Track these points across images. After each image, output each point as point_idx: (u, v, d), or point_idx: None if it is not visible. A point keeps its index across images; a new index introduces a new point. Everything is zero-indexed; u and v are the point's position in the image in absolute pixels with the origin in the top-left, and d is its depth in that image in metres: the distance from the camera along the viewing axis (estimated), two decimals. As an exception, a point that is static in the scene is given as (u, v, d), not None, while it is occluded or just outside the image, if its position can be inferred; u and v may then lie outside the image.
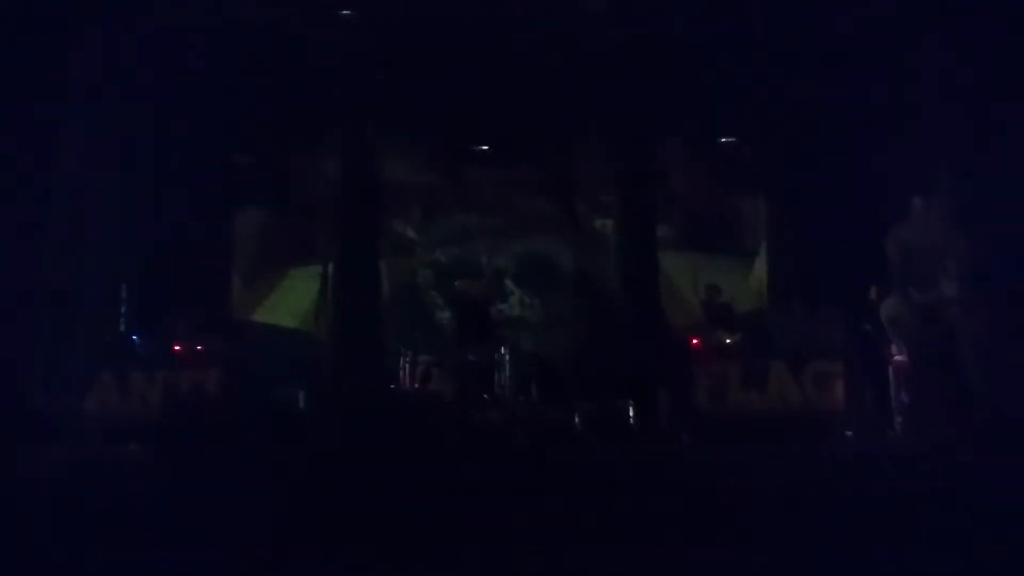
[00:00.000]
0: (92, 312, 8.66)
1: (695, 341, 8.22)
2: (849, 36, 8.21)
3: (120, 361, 7.98)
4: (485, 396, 8.18)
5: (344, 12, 8.75)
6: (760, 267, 10.68)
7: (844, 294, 7.79)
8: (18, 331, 7.80)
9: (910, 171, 7.03)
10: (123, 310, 9.50)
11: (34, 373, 7.87)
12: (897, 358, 6.85)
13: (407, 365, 8.68)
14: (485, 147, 10.76)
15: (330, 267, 10.27)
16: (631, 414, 7.68)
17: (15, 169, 7.95)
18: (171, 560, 3.84)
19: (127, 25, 8.73)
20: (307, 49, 9.11)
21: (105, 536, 4.07)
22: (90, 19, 8.37)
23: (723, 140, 10.45)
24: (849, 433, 7.10)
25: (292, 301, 10.92)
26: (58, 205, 8.64)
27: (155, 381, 7.60)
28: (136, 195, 9.35)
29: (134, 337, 8.64)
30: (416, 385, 8.56)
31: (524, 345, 9.85)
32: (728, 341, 8.22)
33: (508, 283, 11.19)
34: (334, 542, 4.07)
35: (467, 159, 10.87)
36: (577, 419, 7.57)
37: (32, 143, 8.07)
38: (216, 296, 10.14)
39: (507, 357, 8.59)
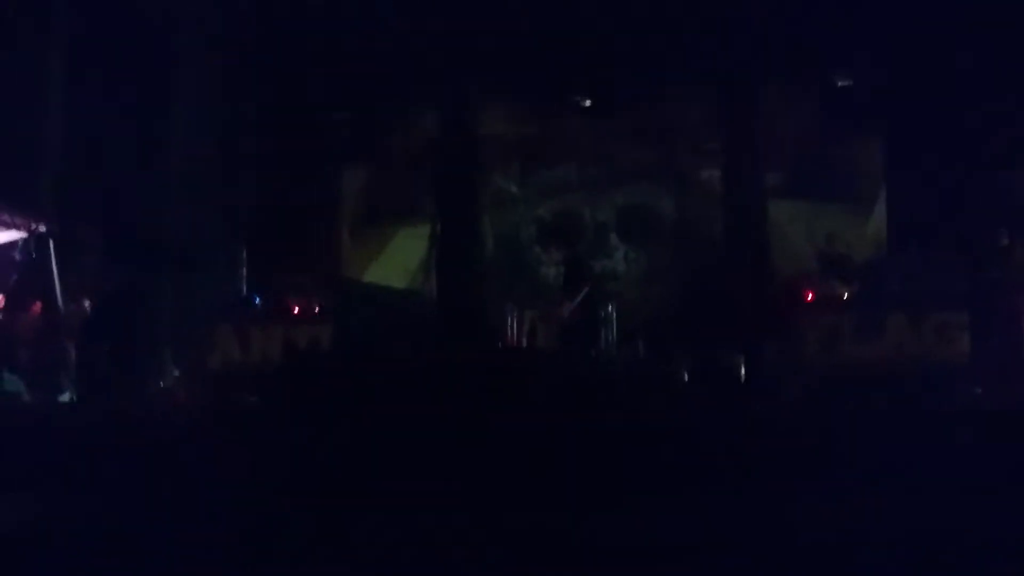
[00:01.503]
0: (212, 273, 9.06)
1: (810, 293, 7.93)
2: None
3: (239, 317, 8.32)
4: (592, 351, 8.17)
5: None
6: (879, 215, 10.18)
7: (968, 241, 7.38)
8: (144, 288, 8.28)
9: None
10: (243, 271, 9.90)
11: (161, 329, 8.35)
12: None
13: (513, 320, 8.75)
14: (587, 98, 10.57)
15: (436, 224, 10.40)
16: (742, 369, 7.52)
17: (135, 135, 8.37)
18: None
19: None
20: (403, 6, 9.14)
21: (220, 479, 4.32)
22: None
23: (835, 82, 9.95)
24: (977, 389, 6.76)
25: (399, 259, 11.13)
26: (174, 171, 9.05)
27: (272, 336, 7.90)
28: (244, 157, 9.66)
29: (254, 296, 8.99)
30: (522, 340, 8.62)
31: (630, 299, 9.76)
32: (845, 292, 7.90)
33: (613, 237, 11.07)
34: (442, 486, 4.19)
35: (569, 111, 10.72)
36: (686, 374, 7.48)
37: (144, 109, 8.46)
38: (326, 255, 10.44)
39: (613, 312, 8.53)
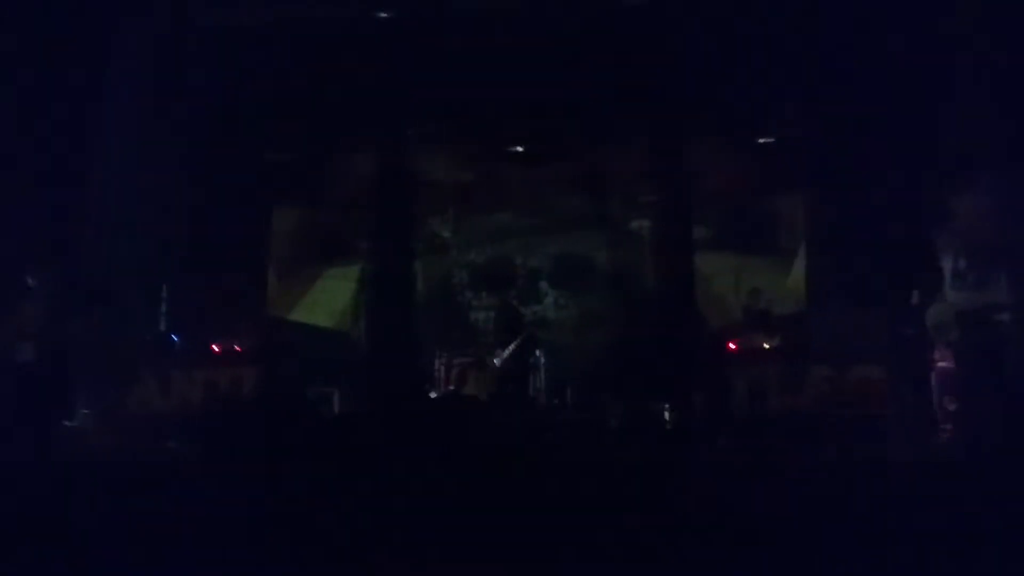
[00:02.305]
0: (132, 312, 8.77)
1: (732, 344, 8.11)
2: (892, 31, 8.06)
3: (160, 360, 8.07)
4: (520, 397, 8.14)
5: (381, 13, 8.78)
6: (799, 267, 10.49)
7: (885, 297, 7.63)
8: (60, 330, 7.94)
9: (953, 169, 6.87)
10: (163, 309, 9.61)
11: (75, 372, 8.00)
12: (941, 363, 6.69)
13: (442, 366, 8.69)
14: (520, 147, 10.72)
15: (365, 267, 10.32)
16: (667, 417, 7.59)
17: (54, 167, 8.10)
18: (204, 557, 3.88)
19: (161, 25, 8.86)
20: (343, 49, 9.15)
21: (144, 531, 4.12)
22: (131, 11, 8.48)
23: (760, 139, 10.30)
24: (891, 439, 6.95)
25: (327, 300, 10.98)
26: (97, 205, 8.79)
27: (194, 380, 7.67)
28: (174, 195, 9.45)
29: (173, 336, 8.74)
30: (450, 386, 8.56)
31: (559, 346, 9.80)
32: (767, 345, 8.10)
33: (543, 284, 11.15)
34: (362, 541, 4.08)
35: (503, 159, 10.84)
36: (613, 421, 7.51)
37: (72, 143, 8.22)
38: (252, 295, 10.23)
39: (542, 359, 8.55)
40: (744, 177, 10.71)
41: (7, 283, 7.70)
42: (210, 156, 9.70)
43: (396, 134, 10.15)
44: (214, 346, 8.13)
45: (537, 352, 8.54)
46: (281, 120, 9.93)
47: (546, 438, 7.14)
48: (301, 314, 10.88)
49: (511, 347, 8.05)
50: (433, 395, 8.52)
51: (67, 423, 7.86)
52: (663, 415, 7.64)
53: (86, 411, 8.09)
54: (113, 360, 8.06)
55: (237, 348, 8.16)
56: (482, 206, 11.34)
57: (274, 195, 10.82)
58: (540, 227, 11.26)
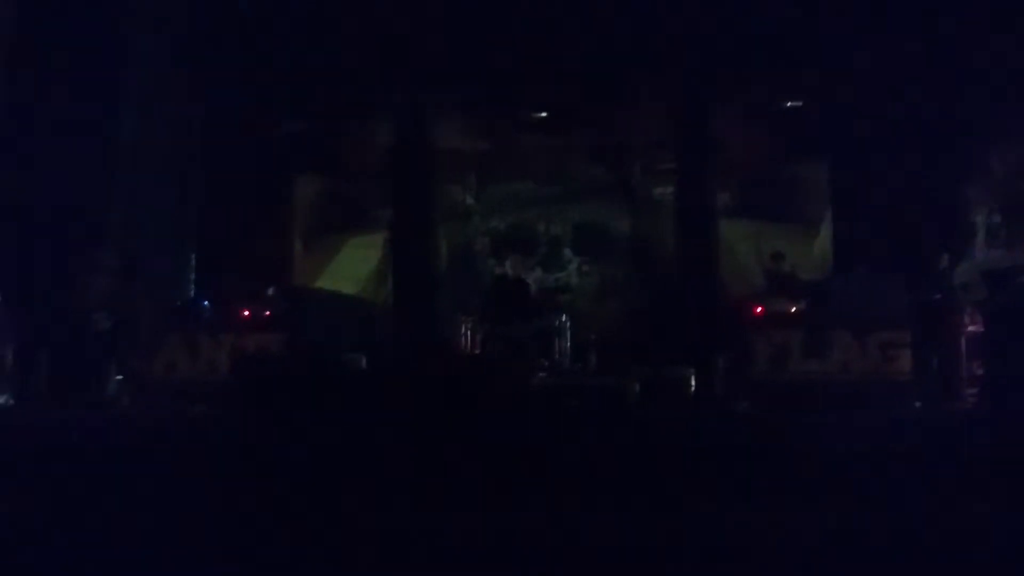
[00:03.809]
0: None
1: (757, 309, 8.08)
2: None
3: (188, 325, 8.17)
4: (543, 363, 8.19)
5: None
6: (825, 234, 10.42)
7: (911, 261, 7.59)
8: (89, 298, 8.07)
9: (977, 129, 6.79)
10: (191, 277, 9.73)
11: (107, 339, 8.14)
12: (969, 327, 6.65)
13: (465, 333, 8.74)
14: (542, 114, 10.67)
15: (389, 234, 10.36)
16: (692, 382, 7.61)
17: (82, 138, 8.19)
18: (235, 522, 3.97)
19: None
20: (362, 16, 9.13)
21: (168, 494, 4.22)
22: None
23: (784, 103, 10.19)
24: (917, 404, 6.94)
25: (352, 268, 11.06)
26: (123, 176, 8.89)
27: (222, 344, 7.78)
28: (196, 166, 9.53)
29: (203, 303, 8.84)
30: (474, 351, 8.61)
31: (583, 312, 9.83)
32: (792, 309, 8.06)
33: (566, 251, 11.15)
34: (387, 502, 4.15)
35: (525, 126, 10.80)
36: (636, 387, 7.54)
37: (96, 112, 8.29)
38: (277, 262, 10.33)
39: (566, 325, 8.58)
40: (768, 143, 10.61)
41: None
42: (234, 128, 9.77)
43: (418, 102, 10.14)
44: (244, 312, 8.22)
45: (561, 319, 8.57)
46: (303, 90, 9.95)
47: (569, 404, 7.20)
48: (326, 281, 10.97)
49: (524, 317, 8.05)
50: (456, 361, 8.57)
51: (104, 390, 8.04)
52: (687, 381, 7.66)
53: (119, 377, 8.25)
54: (149, 327, 8.20)
55: (266, 314, 8.24)
56: (504, 174, 11.32)
57: (298, 165, 10.88)
58: (562, 194, 11.24)
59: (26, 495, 4.34)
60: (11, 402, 7.61)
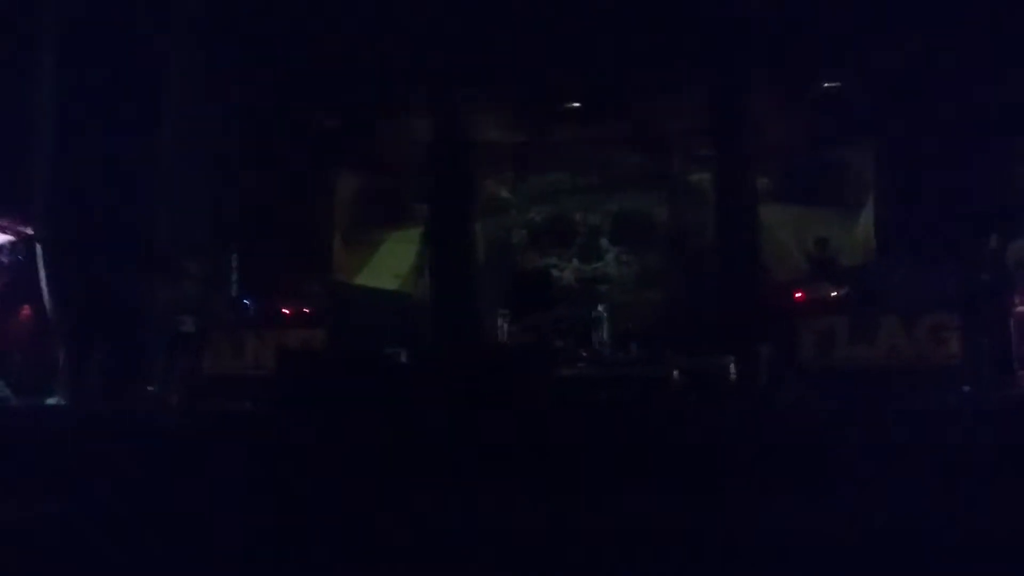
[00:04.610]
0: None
1: (799, 294, 7.95)
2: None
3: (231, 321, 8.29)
4: (583, 353, 8.17)
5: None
6: (868, 218, 10.21)
7: (958, 244, 7.41)
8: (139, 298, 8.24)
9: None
10: (234, 275, 9.85)
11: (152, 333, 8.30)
12: (1020, 308, 6.47)
13: (504, 324, 8.75)
14: (579, 104, 10.60)
15: (428, 229, 10.40)
16: (733, 371, 7.52)
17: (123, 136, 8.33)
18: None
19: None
20: (399, 12, 9.15)
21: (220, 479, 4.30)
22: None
23: (824, 86, 9.99)
24: (966, 388, 6.78)
25: (391, 263, 11.12)
26: (168, 175, 9.03)
27: (264, 340, 7.88)
28: (235, 161, 9.64)
29: (245, 300, 8.96)
30: (514, 343, 8.61)
31: (623, 301, 9.78)
32: (834, 294, 7.93)
33: (604, 241, 11.09)
34: (425, 489, 4.18)
35: (561, 117, 10.75)
36: (676, 375, 7.48)
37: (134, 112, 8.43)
38: (318, 259, 10.43)
39: (606, 314, 8.54)
40: (809, 127, 10.41)
41: None
42: (273, 126, 9.87)
43: (454, 97, 10.14)
44: (285, 309, 8.33)
45: (599, 308, 8.54)
46: (341, 88, 10.00)
47: (610, 393, 7.18)
48: (366, 277, 11.05)
49: (546, 309, 8.04)
50: (495, 353, 8.58)
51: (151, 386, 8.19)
52: (729, 368, 7.58)
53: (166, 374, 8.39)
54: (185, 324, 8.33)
55: (306, 311, 8.34)
56: (541, 165, 11.29)
57: (335, 160, 10.96)
58: (600, 185, 11.18)
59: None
60: (63, 400, 7.80)
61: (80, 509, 4.23)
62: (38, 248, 8.14)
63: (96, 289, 8.18)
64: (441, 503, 4.05)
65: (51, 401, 7.79)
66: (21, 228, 8.18)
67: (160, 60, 8.99)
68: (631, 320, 9.16)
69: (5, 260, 8.26)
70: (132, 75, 8.45)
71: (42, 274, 8.09)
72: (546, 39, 9.16)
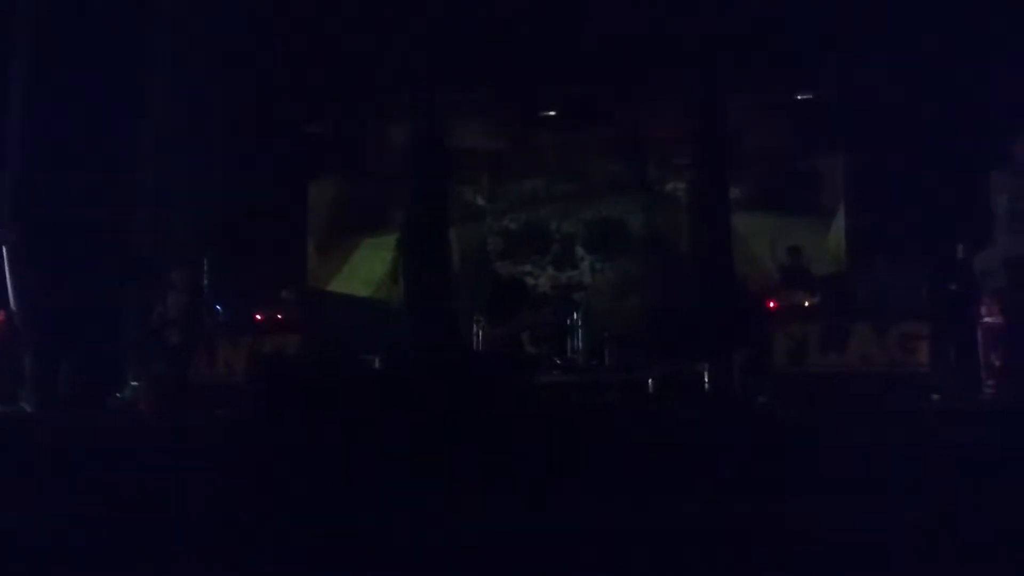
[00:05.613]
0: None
1: (773, 303, 8.03)
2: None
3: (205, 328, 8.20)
4: (558, 360, 8.18)
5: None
6: (839, 227, 10.33)
7: (929, 252, 7.52)
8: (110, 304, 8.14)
9: (1000, 116, 6.71)
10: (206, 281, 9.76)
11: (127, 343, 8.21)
12: (987, 318, 6.57)
13: (479, 330, 8.73)
14: (555, 111, 10.65)
15: (403, 235, 10.37)
16: (706, 378, 7.57)
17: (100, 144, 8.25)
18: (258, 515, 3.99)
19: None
20: (376, 18, 9.15)
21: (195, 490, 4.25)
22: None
23: (798, 96, 10.11)
24: (935, 396, 6.87)
25: (366, 270, 11.08)
26: (141, 180, 8.95)
27: (237, 347, 7.81)
28: (210, 167, 9.57)
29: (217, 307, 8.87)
30: (488, 351, 8.60)
31: (597, 309, 9.80)
32: (807, 303, 8.01)
33: (579, 249, 11.13)
34: (404, 501, 4.15)
35: (537, 124, 10.79)
36: (651, 382, 7.52)
37: (109, 116, 8.35)
38: (292, 265, 10.37)
39: (580, 322, 8.56)
40: (782, 137, 10.53)
41: None
42: (248, 131, 9.81)
43: (432, 103, 10.13)
44: (257, 316, 8.26)
45: (574, 317, 8.55)
46: (318, 92, 9.98)
47: (585, 400, 7.19)
48: (340, 284, 11.00)
49: (519, 316, 8.05)
50: (470, 360, 8.57)
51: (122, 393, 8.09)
52: (703, 375, 7.63)
53: (135, 382, 8.31)
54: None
55: (280, 317, 8.27)
56: (516, 172, 11.31)
57: (310, 167, 10.91)
58: (576, 192, 11.21)
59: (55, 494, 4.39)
60: (35, 407, 7.68)
61: (45, 518, 4.16)
62: (3, 251, 8.03)
63: (65, 295, 8.08)
64: (417, 510, 4.03)
65: (18, 408, 7.67)
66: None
67: (136, 64, 8.92)
68: (606, 327, 9.18)
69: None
70: (105, 77, 8.37)
71: (7, 279, 7.98)
72: (523, 47, 9.19)
